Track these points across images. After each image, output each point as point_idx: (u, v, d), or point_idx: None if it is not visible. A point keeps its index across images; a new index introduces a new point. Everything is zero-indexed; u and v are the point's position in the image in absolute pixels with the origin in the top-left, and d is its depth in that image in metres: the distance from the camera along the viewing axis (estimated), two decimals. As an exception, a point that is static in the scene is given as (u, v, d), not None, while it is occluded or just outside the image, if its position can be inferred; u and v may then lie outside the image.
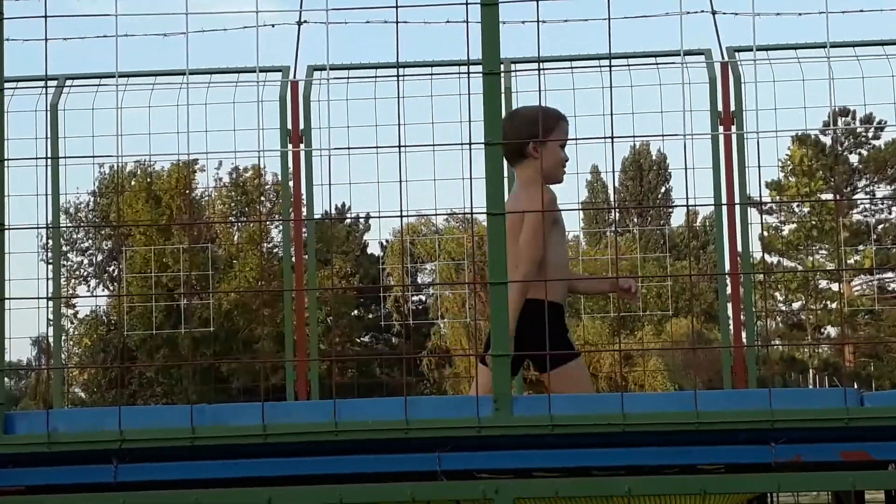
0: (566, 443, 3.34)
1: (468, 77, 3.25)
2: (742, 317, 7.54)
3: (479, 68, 3.27)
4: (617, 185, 47.29)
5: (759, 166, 7.15)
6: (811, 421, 3.19)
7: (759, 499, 4.15)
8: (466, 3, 3.13)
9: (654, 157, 46.51)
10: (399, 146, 3.33)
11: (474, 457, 3.36)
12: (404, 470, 3.36)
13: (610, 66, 3.69)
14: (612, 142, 3.38)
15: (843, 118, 33.20)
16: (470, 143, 3.39)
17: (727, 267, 7.61)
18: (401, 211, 3.70)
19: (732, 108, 7.24)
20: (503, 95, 7.36)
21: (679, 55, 7.50)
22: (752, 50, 7.54)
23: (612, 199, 45.59)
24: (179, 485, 3.29)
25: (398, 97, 3.49)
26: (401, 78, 6.95)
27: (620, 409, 3.24)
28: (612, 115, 3.09)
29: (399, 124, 3.29)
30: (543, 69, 7.24)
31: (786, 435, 3.22)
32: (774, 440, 3.22)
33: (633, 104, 7.43)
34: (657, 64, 7.33)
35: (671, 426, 3.24)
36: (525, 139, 4.44)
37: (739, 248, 7.48)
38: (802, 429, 3.22)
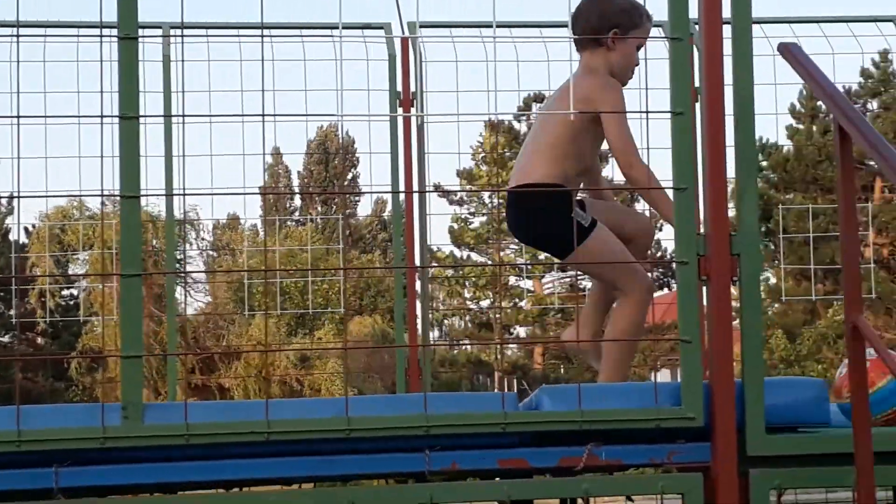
0: (206, 454, 3.31)
1: (100, 41, 3.16)
2: (419, 315, 7.68)
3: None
4: (301, 169, 47.37)
5: (427, 152, 7.22)
6: (468, 426, 3.30)
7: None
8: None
9: (341, 140, 46.74)
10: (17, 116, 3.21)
11: (100, 471, 3.28)
12: (18, 488, 3.25)
13: (262, 36, 3.65)
14: (264, 121, 3.38)
15: (538, 104, 34.47)
16: (102, 116, 3.29)
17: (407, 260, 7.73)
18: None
19: (413, 88, 7.34)
20: (163, 63, 7.25)
21: (358, 28, 7.57)
22: (436, 26, 7.70)
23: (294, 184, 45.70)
24: None
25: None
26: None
27: (265, 417, 3.25)
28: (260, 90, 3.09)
29: (16, 91, 3.16)
30: (190, 35, 7.11)
31: (442, 442, 3.31)
32: (429, 448, 3.30)
33: (305, 79, 7.44)
34: (332, 37, 7.36)
35: (321, 433, 3.28)
36: (607, 26, 4.42)
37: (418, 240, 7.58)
38: (459, 435, 3.32)
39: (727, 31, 3.28)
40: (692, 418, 3.24)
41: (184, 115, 6.63)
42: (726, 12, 3.27)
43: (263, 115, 3.08)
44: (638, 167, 4.32)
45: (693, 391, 3.26)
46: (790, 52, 3.15)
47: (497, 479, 3.53)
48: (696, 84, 3.54)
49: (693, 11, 3.34)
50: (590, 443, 3.31)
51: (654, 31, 5.33)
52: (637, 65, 4.56)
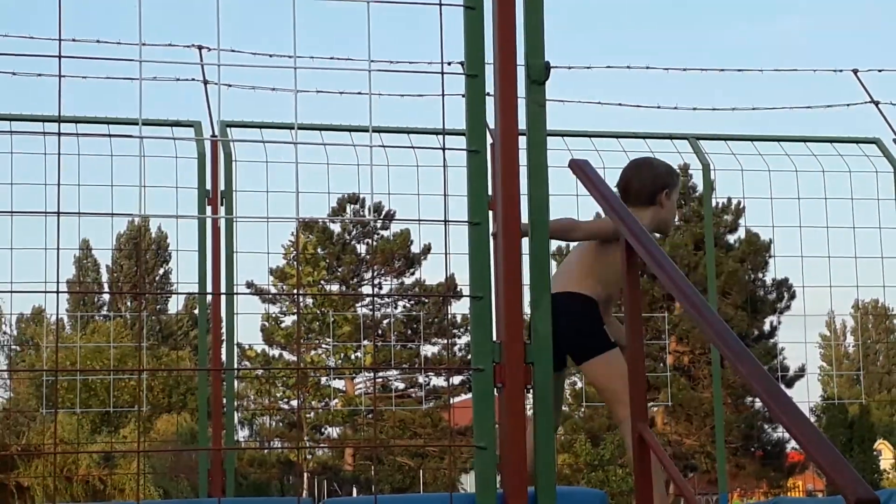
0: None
1: None
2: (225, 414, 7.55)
3: None
4: (110, 263, 46.51)
5: (237, 251, 7.16)
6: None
7: None
8: None
9: (153, 236, 46.17)
10: None
11: None
12: None
13: (60, 133, 3.59)
14: (59, 217, 3.30)
15: (353, 205, 34.62)
16: None
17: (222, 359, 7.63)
18: None
19: (222, 187, 7.29)
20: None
21: (168, 125, 7.51)
22: (249, 126, 7.67)
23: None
24: None
25: None
26: None
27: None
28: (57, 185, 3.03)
29: None
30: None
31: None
32: (222, 553, 3.24)
33: (112, 174, 7.35)
34: (141, 136, 7.25)
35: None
36: (660, 186, 4.96)
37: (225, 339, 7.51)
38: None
39: (523, 142, 3.34)
40: (486, 526, 3.24)
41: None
42: (522, 125, 3.33)
43: (59, 213, 3.01)
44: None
45: (487, 500, 3.26)
46: (580, 168, 3.23)
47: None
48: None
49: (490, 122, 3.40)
50: (384, 550, 3.28)
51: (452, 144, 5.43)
52: (675, 216, 5.29)
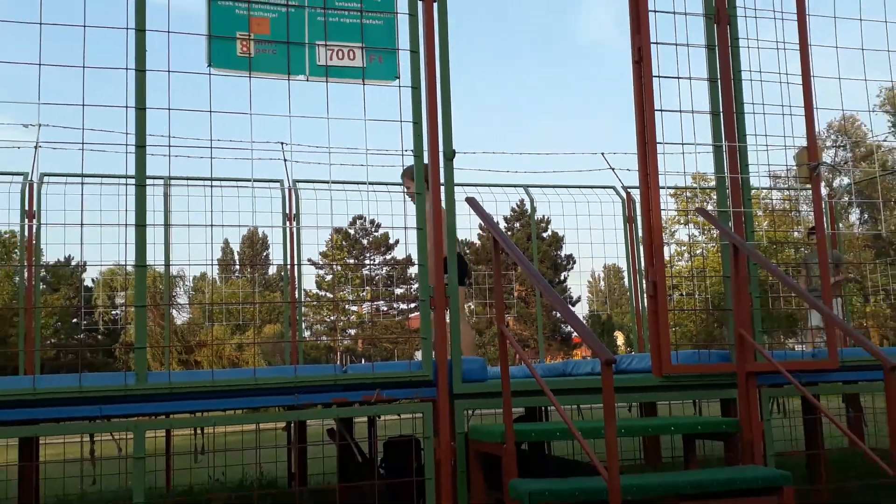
0: (182, 398, 3.13)
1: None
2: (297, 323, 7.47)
3: None
4: (239, 250, 45.67)
5: (303, 243, 7.03)
6: (317, 381, 3.23)
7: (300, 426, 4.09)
8: None
9: (260, 236, 45.55)
10: None
11: (125, 407, 3.06)
12: (79, 416, 3.00)
13: (211, 185, 3.53)
14: (212, 227, 3.23)
15: (360, 220, 34.33)
16: (125, 224, 3.09)
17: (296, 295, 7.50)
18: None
19: (294, 212, 7.19)
20: (164, 199, 6.87)
21: (266, 181, 7.38)
22: (308, 182, 7.56)
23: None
24: None
25: None
26: None
27: (211, 377, 3.10)
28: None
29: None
30: (180, 184, 6.78)
31: (305, 389, 3.22)
32: (298, 392, 3.22)
33: (239, 206, 7.15)
34: (252, 186, 7.13)
35: (239, 385, 3.14)
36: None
37: (304, 284, 7.42)
38: (314, 385, 3.25)
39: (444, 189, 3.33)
40: (427, 376, 3.26)
41: (164, 223, 6.27)
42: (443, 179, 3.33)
43: (212, 225, 2.96)
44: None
45: (427, 364, 3.28)
46: (472, 202, 3.24)
47: (332, 407, 3.46)
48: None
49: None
50: (377, 388, 3.28)
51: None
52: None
